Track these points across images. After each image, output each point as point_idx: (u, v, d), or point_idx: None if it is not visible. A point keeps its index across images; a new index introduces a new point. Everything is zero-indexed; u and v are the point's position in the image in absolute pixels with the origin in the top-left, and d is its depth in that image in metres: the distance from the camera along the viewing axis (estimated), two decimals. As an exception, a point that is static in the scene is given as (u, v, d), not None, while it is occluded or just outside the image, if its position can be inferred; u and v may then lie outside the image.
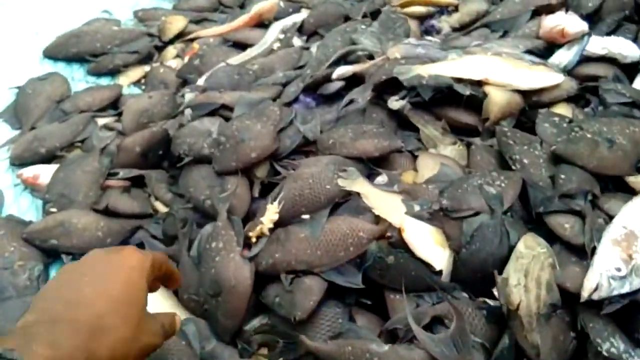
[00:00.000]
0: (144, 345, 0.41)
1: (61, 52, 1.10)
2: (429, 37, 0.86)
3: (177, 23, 1.19)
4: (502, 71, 0.71)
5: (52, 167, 0.86)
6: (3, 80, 1.03)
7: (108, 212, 0.79)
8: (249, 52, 1.04)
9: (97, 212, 0.79)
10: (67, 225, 0.76)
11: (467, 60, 0.73)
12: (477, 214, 0.58)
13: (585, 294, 0.51)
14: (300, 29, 1.10)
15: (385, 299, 0.60)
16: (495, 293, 0.57)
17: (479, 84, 0.71)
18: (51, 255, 0.76)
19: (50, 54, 1.10)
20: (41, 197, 0.83)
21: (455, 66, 0.73)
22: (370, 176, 0.68)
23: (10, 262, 0.73)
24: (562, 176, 0.59)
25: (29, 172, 0.85)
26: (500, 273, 0.56)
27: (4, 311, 0.67)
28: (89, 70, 1.10)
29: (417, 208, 0.60)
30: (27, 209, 0.83)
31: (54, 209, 0.80)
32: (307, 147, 0.78)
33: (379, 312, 0.60)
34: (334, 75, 0.83)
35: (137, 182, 0.84)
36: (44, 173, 0.84)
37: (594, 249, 0.55)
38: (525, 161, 0.62)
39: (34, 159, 0.88)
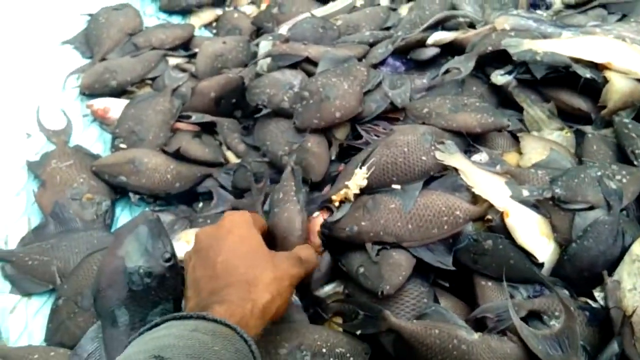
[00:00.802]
0: (288, 276, 0.49)
1: (135, -16, 1.07)
2: (538, 11, 0.80)
3: (254, -34, 1.14)
4: (626, 57, 0.65)
5: (123, 102, 0.84)
6: (74, 5, 1.00)
7: (178, 156, 0.77)
8: (332, 6, 0.99)
9: (167, 154, 0.77)
10: (137, 164, 0.74)
11: (586, 40, 0.68)
12: (592, 208, 0.54)
13: None
14: (387, -13, 1.04)
15: (474, 285, 0.57)
16: (596, 295, 0.53)
17: (599, 68, 0.65)
18: (119, 192, 0.75)
19: (123, -15, 1.07)
20: (110, 131, 0.81)
21: (573, 45, 0.67)
22: (468, 153, 0.64)
23: (79, 193, 0.71)
24: (690, 179, 0.55)
25: (99, 103, 0.83)
26: (610, 275, 0.52)
27: (68, 243, 0.66)
28: (161, 7, 1.07)
29: (525, 193, 0.56)
30: (94, 141, 0.82)
31: (123, 145, 0.78)
32: (392, 114, 0.74)
33: (465, 300, 0.58)
34: (430, 40, 0.78)
35: (207, 129, 0.82)
36: (114, 107, 0.83)
37: None
38: (647, 157, 0.57)
39: (103, 90, 0.86)
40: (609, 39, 0.68)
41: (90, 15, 0.98)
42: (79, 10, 0.99)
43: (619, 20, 0.77)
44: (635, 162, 0.58)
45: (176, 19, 1.06)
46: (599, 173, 0.56)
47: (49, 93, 0.86)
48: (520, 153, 0.64)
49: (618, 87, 0.63)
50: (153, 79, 0.90)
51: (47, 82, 0.87)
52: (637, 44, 0.67)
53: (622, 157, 0.60)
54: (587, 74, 0.64)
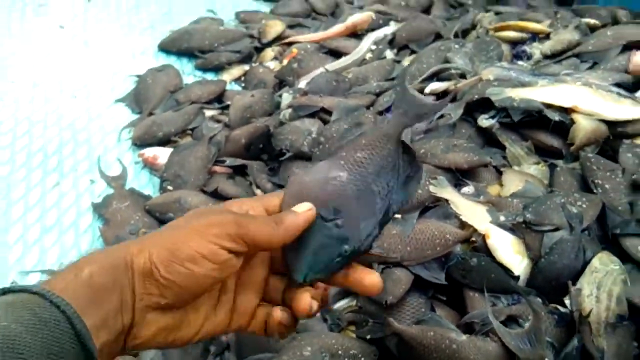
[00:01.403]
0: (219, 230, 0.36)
1: (175, 46, 1.26)
2: (520, 62, 0.94)
3: (276, 27, 1.32)
4: (590, 101, 0.78)
5: (168, 150, 1.00)
6: (123, 68, 1.19)
7: (216, 195, 0.92)
8: (344, 60, 1.15)
9: (206, 193, 0.93)
10: (183, 202, 0.89)
11: (557, 87, 0.81)
12: (557, 229, 0.67)
13: (652, 311, 0.58)
14: (391, 42, 1.20)
15: (464, 296, 0.69)
16: (566, 302, 0.65)
17: (567, 111, 0.79)
18: (167, 226, 0.90)
19: (165, 47, 1.26)
20: (159, 176, 0.97)
21: (545, 92, 0.81)
22: (457, 186, 0.77)
23: (135, 228, 0.87)
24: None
25: (149, 152, 1.00)
26: (574, 284, 0.64)
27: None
28: (196, 65, 1.25)
29: (502, 218, 0.69)
30: (145, 184, 0.98)
31: (170, 187, 0.94)
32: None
33: (456, 309, 0.70)
34: (427, 90, 0.93)
35: (239, 171, 0.97)
36: (161, 154, 0.99)
37: (665, 272, 0.62)
38: (607, 186, 0.70)
39: (152, 141, 1.03)
40: (576, 86, 0.81)
41: (138, 76, 1.16)
42: (129, 72, 1.18)
43: (590, 68, 0.90)
44: (595, 191, 0.70)
45: (210, 76, 1.23)
46: (562, 200, 0.68)
47: (107, 145, 1.03)
48: (501, 185, 0.76)
49: (583, 127, 0.76)
50: (193, 129, 1.06)
51: (105, 135, 1.05)
52: (601, 90, 0.81)
53: (585, 186, 0.72)
54: (555, 117, 0.77)
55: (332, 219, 0.40)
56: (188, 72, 1.23)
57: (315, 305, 0.39)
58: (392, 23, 1.31)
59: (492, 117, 0.83)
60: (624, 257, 0.65)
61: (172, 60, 1.24)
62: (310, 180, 0.42)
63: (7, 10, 1.30)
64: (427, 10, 1.48)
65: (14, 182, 0.94)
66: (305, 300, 0.39)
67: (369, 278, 0.40)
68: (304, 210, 0.39)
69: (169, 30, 1.31)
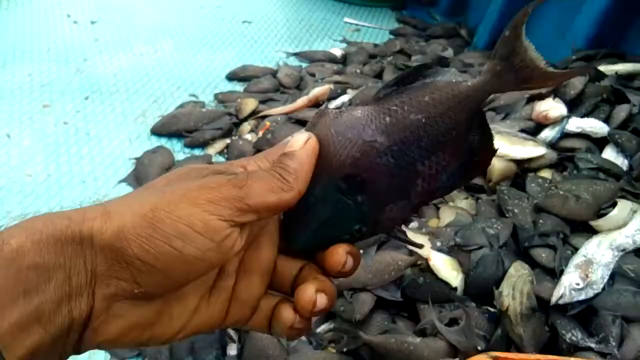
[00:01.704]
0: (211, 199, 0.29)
1: (165, 129, 1.47)
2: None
3: (250, 104, 1.55)
4: (501, 146, 1.00)
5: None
6: (123, 153, 1.40)
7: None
8: (310, 128, 1.38)
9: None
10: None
11: (475, 137, 1.04)
12: (480, 247, 0.87)
13: (554, 300, 0.78)
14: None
15: (417, 308, 0.88)
16: (494, 303, 0.84)
17: (484, 155, 1.00)
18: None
19: (157, 131, 1.48)
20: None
21: (466, 142, 1.03)
22: (406, 222, 0.97)
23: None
24: (541, 221, 0.87)
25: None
26: (497, 288, 0.83)
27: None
28: (185, 144, 1.46)
29: (439, 244, 0.89)
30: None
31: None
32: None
33: (412, 319, 0.88)
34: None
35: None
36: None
37: (562, 271, 0.82)
38: (516, 210, 0.91)
39: (153, 212, 1.22)
40: (490, 135, 1.03)
41: (136, 159, 1.37)
42: (128, 155, 1.38)
43: (503, 118, 1.13)
44: (507, 215, 0.91)
45: (197, 151, 1.44)
46: (483, 225, 0.89)
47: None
48: (439, 218, 0.97)
49: (497, 167, 0.98)
50: (187, 199, 1.26)
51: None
52: (510, 135, 1.03)
53: (501, 212, 0.93)
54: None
55: (353, 195, 0.32)
56: (178, 150, 1.44)
57: (324, 300, 0.32)
58: (348, 91, 1.56)
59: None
60: (532, 263, 0.85)
61: (164, 142, 1.46)
62: (338, 134, 0.32)
63: (17, 113, 1.51)
64: (379, 75, 1.75)
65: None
66: (310, 292, 0.32)
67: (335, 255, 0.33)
68: (303, 145, 0.31)
69: (158, 116, 1.53)
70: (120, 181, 1.32)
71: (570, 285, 0.79)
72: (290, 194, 0.30)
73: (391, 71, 1.73)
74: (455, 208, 0.97)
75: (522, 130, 1.05)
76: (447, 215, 0.96)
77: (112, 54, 1.86)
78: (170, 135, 1.47)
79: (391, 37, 2.19)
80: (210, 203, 0.28)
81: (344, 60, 1.94)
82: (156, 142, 1.46)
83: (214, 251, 0.28)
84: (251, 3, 2.38)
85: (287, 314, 0.33)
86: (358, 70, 1.82)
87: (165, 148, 1.40)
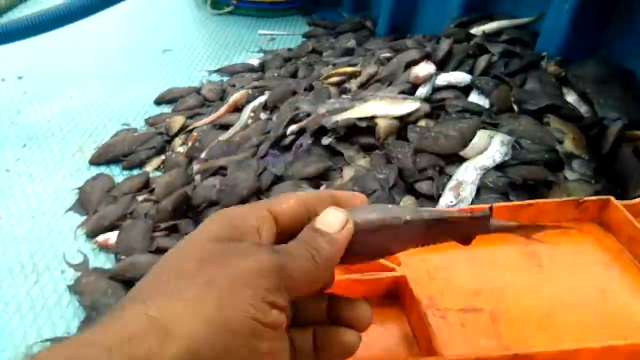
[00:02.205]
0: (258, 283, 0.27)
1: (102, 158, 1.61)
2: (344, 96, 1.36)
3: (178, 121, 1.70)
4: (384, 108, 1.19)
5: (115, 233, 1.32)
6: (68, 183, 1.52)
7: (159, 251, 1.25)
8: (231, 130, 1.54)
9: (152, 252, 1.25)
10: (135, 264, 1.21)
11: (363, 105, 1.22)
12: (375, 191, 1.04)
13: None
14: (265, 106, 1.61)
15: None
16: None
17: (372, 118, 1.19)
18: (130, 285, 1.21)
19: (95, 162, 1.60)
20: (113, 252, 1.29)
21: (357, 111, 1.21)
22: (317, 187, 1.14)
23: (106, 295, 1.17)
24: (419, 160, 1.06)
25: (101, 238, 1.31)
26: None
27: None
28: (123, 167, 1.59)
29: (340, 196, 1.06)
30: (104, 262, 1.29)
31: (123, 257, 1.26)
32: (278, 182, 1.25)
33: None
34: (288, 132, 1.32)
35: (173, 230, 1.30)
36: (111, 237, 1.31)
37: (439, 196, 1.00)
38: (400, 156, 1.09)
39: (101, 230, 1.35)
40: (374, 101, 1.22)
41: (78, 188, 1.50)
42: (71, 187, 1.51)
43: (388, 86, 1.32)
44: (393, 162, 1.09)
45: (136, 171, 1.58)
46: (374, 173, 1.06)
47: (68, 244, 1.34)
48: (342, 177, 1.14)
49: (382, 126, 1.16)
50: (131, 213, 1.39)
51: (65, 237, 1.36)
52: (391, 99, 1.22)
53: (389, 161, 1.11)
54: (363, 124, 1.17)
55: None
56: (117, 174, 1.57)
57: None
58: (266, 92, 1.72)
59: (329, 137, 1.22)
60: (418, 195, 1.03)
61: (103, 169, 1.59)
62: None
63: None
64: (294, 75, 1.92)
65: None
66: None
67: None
68: (341, 228, 0.31)
69: (94, 149, 1.66)
70: (67, 210, 1.45)
71: (446, 203, 0.97)
72: (321, 281, 0.31)
73: (304, 69, 1.91)
74: (355, 166, 1.15)
75: (402, 92, 1.24)
76: (348, 173, 1.13)
77: (43, 103, 1.98)
78: (108, 162, 1.61)
79: (304, 39, 2.37)
80: (264, 290, 0.27)
81: (262, 68, 2.11)
82: (95, 171, 1.58)
83: (279, 339, 0.28)
84: (169, 32, 2.54)
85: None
86: (276, 74, 1.99)
87: (104, 174, 1.54)
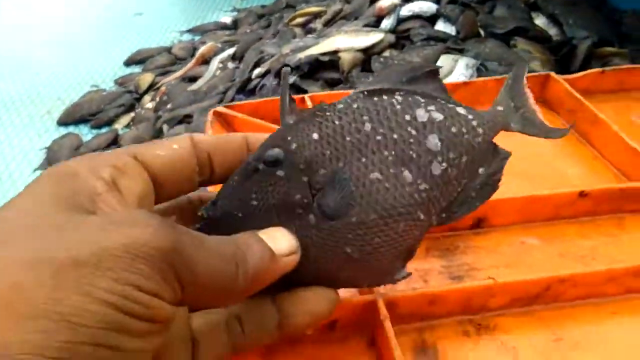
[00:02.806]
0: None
1: (70, 118, 1.58)
2: (310, 35, 1.32)
3: (147, 78, 1.67)
4: (347, 41, 1.16)
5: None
6: (36, 144, 1.50)
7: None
8: (200, 81, 1.51)
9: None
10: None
11: (327, 41, 1.19)
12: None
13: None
14: (234, 57, 1.57)
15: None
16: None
17: (335, 52, 1.16)
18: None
19: (63, 122, 1.58)
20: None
21: (320, 47, 1.18)
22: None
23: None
24: (382, 87, 1.03)
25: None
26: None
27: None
28: (92, 126, 1.56)
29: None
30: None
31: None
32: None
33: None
34: (253, 76, 1.29)
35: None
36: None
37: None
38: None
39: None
40: (338, 35, 1.19)
41: (47, 147, 1.47)
42: (40, 146, 1.48)
43: (353, 20, 1.29)
44: (356, 91, 1.06)
45: (105, 129, 1.56)
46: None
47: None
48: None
49: (345, 59, 1.14)
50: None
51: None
52: (355, 32, 1.19)
53: (352, 92, 1.08)
54: (326, 58, 1.14)
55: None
56: (86, 133, 1.55)
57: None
58: (236, 45, 1.69)
59: (293, 75, 1.19)
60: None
61: (72, 129, 1.56)
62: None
63: None
64: (269, 26, 1.88)
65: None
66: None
67: None
68: (286, 252, 0.24)
69: (63, 110, 1.63)
70: (35, 170, 1.42)
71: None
72: (237, 294, 0.22)
73: (276, 23, 1.86)
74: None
75: (366, 25, 1.21)
76: (312, 108, 1.10)
77: (12, 70, 1.94)
78: (76, 122, 1.58)
79: (278, -3, 2.32)
80: (139, 275, 0.18)
81: (235, 25, 2.07)
82: (64, 131, 1.56)
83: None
84: (140, -4, 2.48)
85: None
86: (248, 30, 1.94)
87: (73, 133, 1.51)
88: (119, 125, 1.56)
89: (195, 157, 0.26)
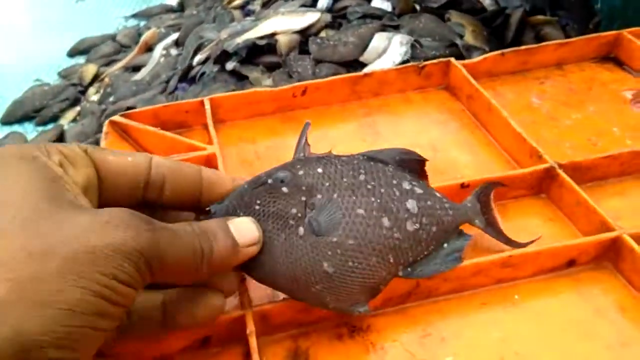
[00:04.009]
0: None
1: (12, 116, 1.54)
2: (248, 18, 1.30)
3: (91, 69, 1.63)
4: (284, 23, 1.14)
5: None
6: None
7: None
8: (144, 70, 1.48)
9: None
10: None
11: (264, 24, 1.17)
12: (274, 108, 1.02)
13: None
14: (177, 42, 1.54)
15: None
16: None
17: (272, 35, 1.14)
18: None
19: (5, 121, 1.54)
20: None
21: (258, 30, 1.17)
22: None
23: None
24: (318, 70, 1.03)
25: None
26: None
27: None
28: (36, 123, 1.53)
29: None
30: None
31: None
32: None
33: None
34: (194, 63, 1.27)
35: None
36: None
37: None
38: (300, 70, 1.06)
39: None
40: (275, 17, 1.17)
41: (-11, 149, 1.44)
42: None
43: (291, 1, 1.27)
44: (293, 76, 1.06)
45: (50, 126, 1.52)
46: (272, 89, 1.03)
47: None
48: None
49: (282, 42, 1.12)
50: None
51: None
52: (291, 13, 1.17)
53: (290, 77, 1.08)
54: (262, 42, 1.13)
55: None
56: (31, 131, 1.51)
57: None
58: (180, 30, 1.65)
59: (233, 61, 1.18)
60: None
61: (16, 128, 1.52)
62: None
63: None
64: (211, 8, 1.84)
65: None
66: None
67: None
68: (250, 242, 0.28)
69: (5, 109, 1.58)
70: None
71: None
72: (201, 278, 0.27)
73: (216, 6, 1.82)
74: (261, 87, 1.11)
75: (303, 6, 1.19)
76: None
77: (-50, 68, 1.87)
78: (20, 120, 1.54)
79: (225, -26, 2.27)
80: (114, 265, 0.23)
81: (181, 7, 2.01)
82: (8, 130, 1.52)
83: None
84: (82, -19, 2.40)
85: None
86: (195, 12, 1.90)
87: (17, 132, 1.47)
88: (64, 121, 1.52)
89: (145, 176, 0.29)
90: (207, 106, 0.52)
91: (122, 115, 0.51)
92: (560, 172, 0.41)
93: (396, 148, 0.36)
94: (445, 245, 0.34)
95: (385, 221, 0.31)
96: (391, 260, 0.31)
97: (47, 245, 0.22)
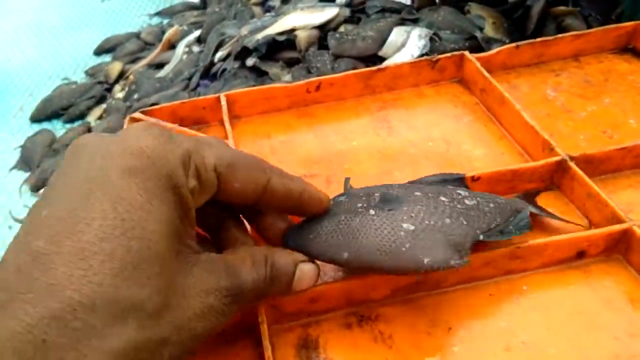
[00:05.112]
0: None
1: (42, 114, 1.59)
2: (268, 14, 1.32)
3: (116, 67, 1.67)
4: (303, 18, 1.15)
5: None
6: (10, 143, 1.51)
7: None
8: (167, 67, 1.51)
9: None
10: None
11: (283, 20, 1.19)
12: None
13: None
14: (199, 40, 1.57)
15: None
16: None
17: (292, 31, 1.16)
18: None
19: (35, 118, 1.59)
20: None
21: (277, 26, 1.18)
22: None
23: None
24: (336, 66, 1.04)
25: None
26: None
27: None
28: (64, 120, 1.58)
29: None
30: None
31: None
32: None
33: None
34: (215, 59, 1.29)
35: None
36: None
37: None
38: (319, 65, 1.07)
39: (44, 183, 1.35)
40: (294, 13, 1.18)
41: (21, 146, 1.49)
42: (14, 145, 1.50)
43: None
44: (312, 72, 1.07)
45: (77, 123, 1.57)
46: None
47: (14, 200, 1.35)
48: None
49: (302, 37, 1.13)
50: (73, 163, 1.39)
51: (10, 195, 1.37)
52: (310, 9, 1.18)
53: (309, 72, 1.09)
54: (282, 38, 1.14)
55: None
56: (59, 128, 1.56)
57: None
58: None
59: (253, 56, 1.19)
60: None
61: (45, 125, 1.57)
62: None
63: None
64: (232, 5, 1.86)
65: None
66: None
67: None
68: (306, 286, 0.32)
69: (35, 107, 1.64)
70: (11, 169, 1.45)
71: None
72: (263, 296, 0.31)
73: (236, 2, 1.84)
74: (279, 82, 1.13)
75: (322, 1, 1.20)
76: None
77: (-19, 68, 1.94)
78: (49, 117, 1.59)
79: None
80: (206, 295, 0.27)
81: (204, 5, 2.04)
82: (37, 128, 1.57)
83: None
84: (108, -19, 2.44)
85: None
86: (217, 9, 1.93)
87: (46, 129, 1.52)
88: (91, 118, 1.57)
89: (255, 199, 0.31)
90: (223, 102, 0.53)
91: (142, 112, 0.52)
92: (572, 164, 0.41)
93: (435, 174, 0.40)
94: (511, 219, 0.37)
95: (443, 197, 0.35)
96: (464, 223, 0.34)
97: (168, 297, 0.24)
